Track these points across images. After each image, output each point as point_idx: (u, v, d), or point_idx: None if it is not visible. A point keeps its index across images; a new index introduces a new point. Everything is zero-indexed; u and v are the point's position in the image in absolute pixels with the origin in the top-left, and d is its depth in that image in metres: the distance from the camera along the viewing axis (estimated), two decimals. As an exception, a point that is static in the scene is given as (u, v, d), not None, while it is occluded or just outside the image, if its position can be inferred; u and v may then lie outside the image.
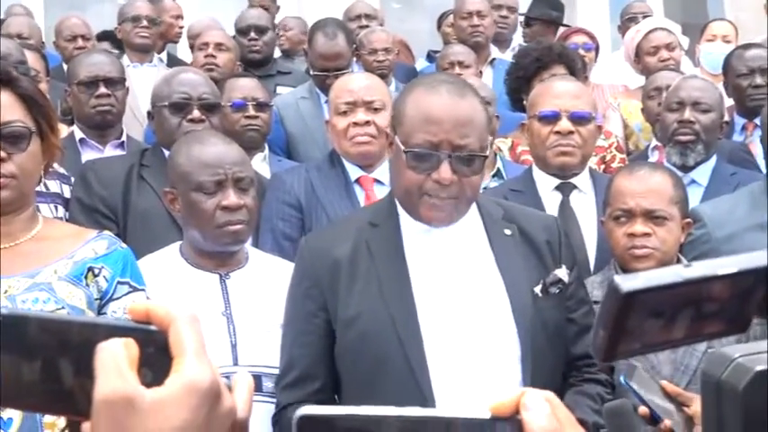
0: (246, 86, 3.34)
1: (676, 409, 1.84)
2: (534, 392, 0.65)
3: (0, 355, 0.64)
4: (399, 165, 1.91)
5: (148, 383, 0.62)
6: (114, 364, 0.62)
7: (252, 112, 3.28)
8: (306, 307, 1.94)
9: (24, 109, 1.85)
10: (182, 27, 5.36)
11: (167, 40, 5.18)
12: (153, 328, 0.65)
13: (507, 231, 1.99)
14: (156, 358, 0.64)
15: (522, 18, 5.20)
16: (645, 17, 4.79)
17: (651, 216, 2.30)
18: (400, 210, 1.97)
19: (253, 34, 4.49)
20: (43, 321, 0.65)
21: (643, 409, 1.81)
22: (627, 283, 0.64)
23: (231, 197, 2.19)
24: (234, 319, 2.18)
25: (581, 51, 4.23)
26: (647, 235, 2.29)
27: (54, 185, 2.62)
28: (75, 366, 0.64)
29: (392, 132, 1.97)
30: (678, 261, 2.34)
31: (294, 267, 2.03)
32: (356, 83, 2.89)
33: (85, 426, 0.65)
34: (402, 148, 1.89)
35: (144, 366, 0.63)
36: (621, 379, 1.86)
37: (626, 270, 2.30)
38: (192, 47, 4.75)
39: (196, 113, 2.78)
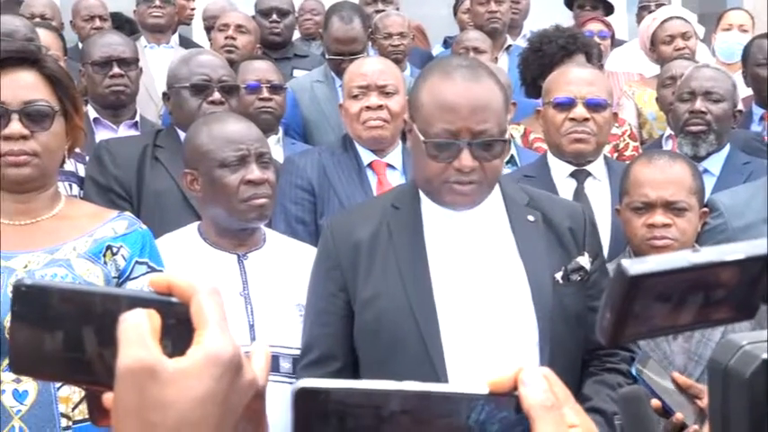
0: (261, 69, 3.33)
1: (688, 402, 1.84)
2: (532, 368, 0.66)
3: (23, 326, 0.65)
4: (419, 154, 1.90)
5: (169, 354, 0.63)
6: (137, 334, 0.62)
7: (266, 94, 3.27)
8: (327, 287, 1.96)
9: (49, 89, 1.88)
10: (193, 9, 5.35)
11: (179, 21, 5.18)
12: (174, 299, 0.66)
13: (531, 218, 1.98)
14: (177, 330, 0.64)
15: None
16: (658, 5, 4.76)
17: (671, 207, 2.29)
18: (422, 193, 1.97)
19: (275, 17, 4.49)
20: (65, 292, 0.66)
21: (655, 402, 1.81)
22: (634, 266, 0.64)
23: (255, 171, 2.21)
24: (251, 299, 2.20)
25: (596, 39, 4.21)
26: (666, 226, 2.28)
27: (69, 164, 2.63)
28: (96, 337, 0.65)
29: (410, 120, 1.96)
30: (693, 250, 2.33)
31: (318, 248, 2.05)
32: (369, 67, 2.89)
33: (107, 396, 0.65)
34: (421, 138, 1.88)
35: (165, 338, 0.64)
36: (633, 371, 1.85)
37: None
38: (208, 29, 4.75)
39: (216, 96, 2.79)
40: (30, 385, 1.78)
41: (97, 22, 4.56)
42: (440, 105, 1.88)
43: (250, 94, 3.26)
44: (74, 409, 1.81)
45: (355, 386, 0.64)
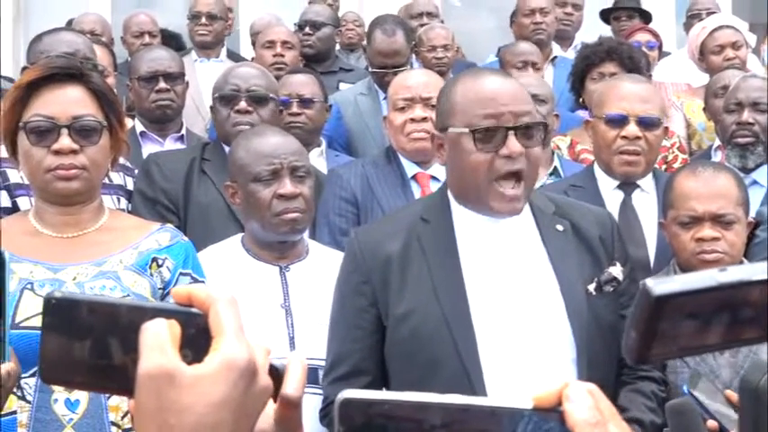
0: (293, 83, 3.32)
1: None
2: (577, 384, 0.65)
3: (53, 336, 0.68)
4: (462, 153, 1.87)
5: (190, 363, 0.65)
6: (158, 341, 0.65)
7: (295, 109, 3.25)
8: (356, 302, 1.93)
9: (96, 103, 1.92)
10: (232, 17, 5.41)
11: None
12: (194, 310, 0.68)
13: (559, 227, 1.96)
14: (196, 339, 0.67)
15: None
16: (709, 14, 4.69)
17: (719, 220, 2.26)
18: (453, 205, 1.95)
19: (307, 29, 4.53)
20: (93, 304, 0.69)
21: (712, 423, 1.77)
22: (659, 286, 0.63)
23: (287, 185, 2.23)
24: (292, 311, 2.21)
25: (644, 50, 4.16)
26: (715, 239, 2.25)
27: (117, 177, 2.68)
28: (122, 346, 0.68)
29: (442, 132, 1.93)
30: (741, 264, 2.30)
31: (343, 261, 2.01)
32: (414, 79, 2.90)
33: (129, 403, 0.68)
34: (465, 131, 1.86)
35: (185, 347, 0.66)
36: (684, 389, 1.82)
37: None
38: (254, 43, 4.81)
39: (242, 105, 2.82)
40: (81, 394, 1.82)
41: (147, 38, 4.64)
42: (478, 97, 1.88)
43: (285, 109, 3.25)
44: (123, 417, 1.85)
45: (399, 398, 0.65)
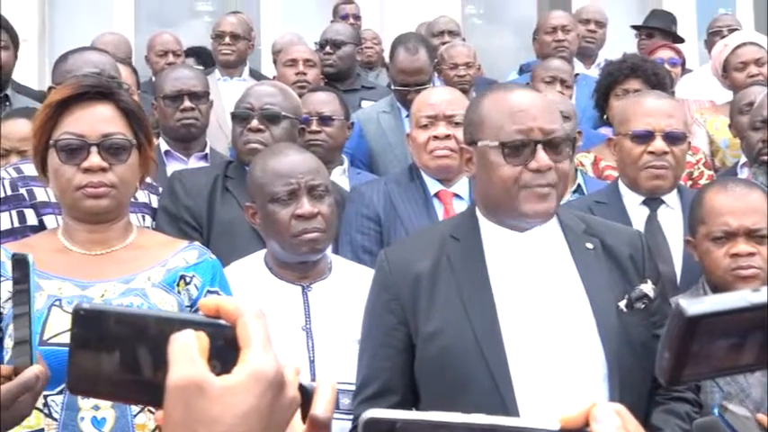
0: (313, 101, 3.33)
1: None
2: (604, 404, 0.65)
3: (81, 348, 0.68)
4: (490, 166, 1.89)
5: (218, 374, 0.65)
6: (187, 353, 0.65)
7: (314, 127, 3.26)
8: (386, 321, 1.93)
9: (125, 122, 1.93)
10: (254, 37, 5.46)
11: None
12: (222, 322, 0.69)
13: (589, 245, 1.95)
14: (224, 351, 0.67)
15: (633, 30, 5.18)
16: (731, 31, 4.67)
17: (753, 235, 2.23)
18: (482, 223, 1.95)
19: (328, 48, 4.56)
20: (121, 315, 0.69)
21: None
22: (692, 307, 0.63)
23: (305, 205, 2.22)
24: (313, 334, 2.20)
25: (667, 66, 4.15)
26: (751, 255, 2.22)
27: (142, 195, 2.70)
28: (150, 357, 0.68)
29: (470, 146, 1.95)
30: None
31: (373, 279, 2.01)
32: (437, 97, 2.91)
33: (157, 414, 0.68)
34: (494, 144, 1.88)
35: (214, 358, 0.67)
36: (715, 411, 1.81)
37: (722, 290, 2.23)
38: (275, 62, 4.84)
39: (254, 123, 2.84)
40: (108, 413, 1.81)
41: (170, 57, 4.68)
42: (508, 111, 1.90)
43: (306, 127, 3.26)
44: (150, 435, 1.84)
45: (423, 418, 0.65)
